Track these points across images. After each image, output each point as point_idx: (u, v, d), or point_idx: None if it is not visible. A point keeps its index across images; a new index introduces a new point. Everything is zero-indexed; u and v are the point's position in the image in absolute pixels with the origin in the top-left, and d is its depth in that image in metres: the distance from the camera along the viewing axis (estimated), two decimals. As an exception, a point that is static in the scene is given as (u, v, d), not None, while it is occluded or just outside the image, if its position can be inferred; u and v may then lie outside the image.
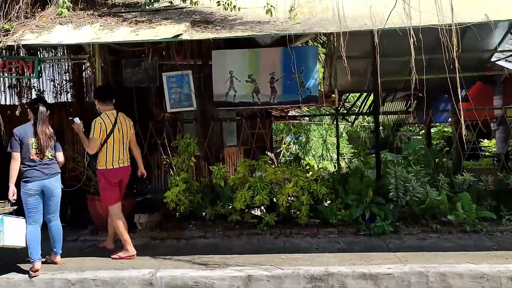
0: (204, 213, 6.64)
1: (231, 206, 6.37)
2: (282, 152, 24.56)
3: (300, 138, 27.02)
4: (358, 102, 10.98)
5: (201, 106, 7.22)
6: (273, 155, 17.18)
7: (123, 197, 6.48)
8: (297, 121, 21.31)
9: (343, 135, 27.00)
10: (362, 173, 6.44)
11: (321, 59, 9.64)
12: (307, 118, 19.60)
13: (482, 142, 13.65)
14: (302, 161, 6.86)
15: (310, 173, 6.50)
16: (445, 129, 20.03)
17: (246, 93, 6.84)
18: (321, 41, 9.18)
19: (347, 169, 6.72)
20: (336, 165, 6.92)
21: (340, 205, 6.20)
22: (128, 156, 5.50)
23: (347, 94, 10.76)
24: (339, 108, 10.94)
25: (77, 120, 5.29)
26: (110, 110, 5.36)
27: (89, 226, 6.56)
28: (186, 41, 6.80)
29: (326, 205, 6.28)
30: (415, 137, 22.80)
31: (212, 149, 7.42)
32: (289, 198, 6.23)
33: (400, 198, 5.94)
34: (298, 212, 6.27)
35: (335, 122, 8.87)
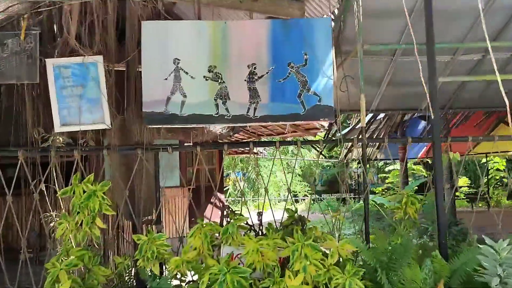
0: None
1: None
2: (229, 191, 21.44)
3: (247, 174, 24.09)
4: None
5: (121, 123, 4.04)
6: (223, 196, 14.03)
7: None
8: (248, 154, 18.38)
9: (296, 171, 24.43)
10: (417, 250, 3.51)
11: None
12: (263, 151, 16.56)
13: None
14: (306, 224, 3.75)
15: (323, 246, 3.45)
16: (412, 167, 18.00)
17: (204, 99, 3.76)
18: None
19: (388, 239, 3.74)
20: (363, 231, 3.91)
21: (386, 314, 3.19)
22: None
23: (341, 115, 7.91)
24: (328, 136, 8.15)
25: None
26: None
27: None
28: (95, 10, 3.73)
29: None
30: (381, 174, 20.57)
31: (139, 198, 4.19)
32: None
33: (511, 305, 3.01)
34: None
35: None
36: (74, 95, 3.74)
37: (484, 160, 17.07)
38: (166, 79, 3.74)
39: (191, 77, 3.75)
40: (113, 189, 3.97)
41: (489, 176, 17.55)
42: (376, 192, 17.57)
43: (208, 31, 3.77)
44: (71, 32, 3.67)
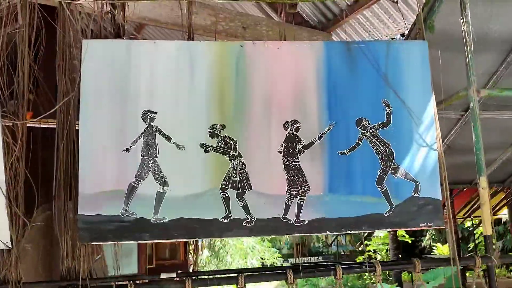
0: None
1: None
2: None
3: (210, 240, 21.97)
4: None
5: (37, 236, 2.12)
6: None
7: None
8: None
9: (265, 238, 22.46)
10: None
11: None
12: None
13: (436, 247, 11.15)
14: None
15: None
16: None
17: (201, 189, 1.93)
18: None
19: None
20: None
21: None
22: None
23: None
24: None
25: None
26: None
27: None
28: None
29: None
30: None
31: None
32: None
33: None
34: None
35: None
36: None
37: (468, 223, 15.99)
38: (128, 149, 1.92)
39: (177, 146, 1.95)
40: None
41: (476, 242, 16.35)
42: (358, 261, 15.84)
43: (210, 61, 2.01)
44: None
